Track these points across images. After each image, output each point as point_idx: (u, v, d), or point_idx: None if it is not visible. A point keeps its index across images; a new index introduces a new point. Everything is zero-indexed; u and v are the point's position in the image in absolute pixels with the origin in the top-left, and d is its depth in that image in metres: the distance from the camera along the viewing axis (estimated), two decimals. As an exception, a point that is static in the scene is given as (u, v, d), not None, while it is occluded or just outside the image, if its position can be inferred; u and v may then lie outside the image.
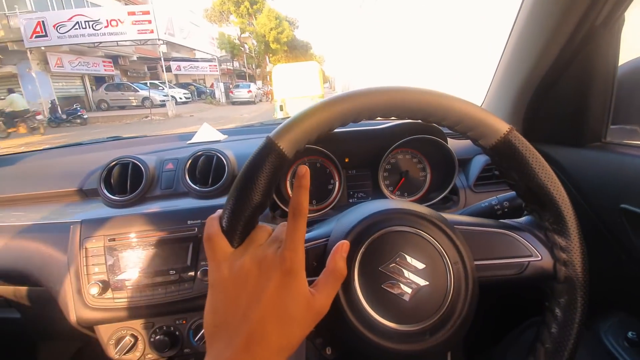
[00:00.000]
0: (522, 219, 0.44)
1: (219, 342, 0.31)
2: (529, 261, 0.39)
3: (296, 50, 38.61)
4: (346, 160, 0.82)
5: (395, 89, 0.36)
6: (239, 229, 0.35)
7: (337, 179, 0.81)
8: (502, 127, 0.36)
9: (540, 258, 0.39)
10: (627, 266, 0.61)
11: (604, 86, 0.63)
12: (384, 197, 0.80)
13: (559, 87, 0.69)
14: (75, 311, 0.66)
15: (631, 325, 0.60)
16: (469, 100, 0.37)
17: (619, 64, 0.64)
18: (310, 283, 0.34)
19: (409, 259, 0.37)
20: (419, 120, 0.38)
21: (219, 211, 0.36)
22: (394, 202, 0.43)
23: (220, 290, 0.32)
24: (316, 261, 0.39)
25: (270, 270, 0.32)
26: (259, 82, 24.87)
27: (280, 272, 0.32)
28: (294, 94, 7.51)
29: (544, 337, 0.38)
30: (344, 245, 0.36)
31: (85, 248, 0.66)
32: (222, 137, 1.01)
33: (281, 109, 7.42)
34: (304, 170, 0.34)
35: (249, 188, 0.34)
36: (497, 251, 0.40)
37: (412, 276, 0.36)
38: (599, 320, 0.64)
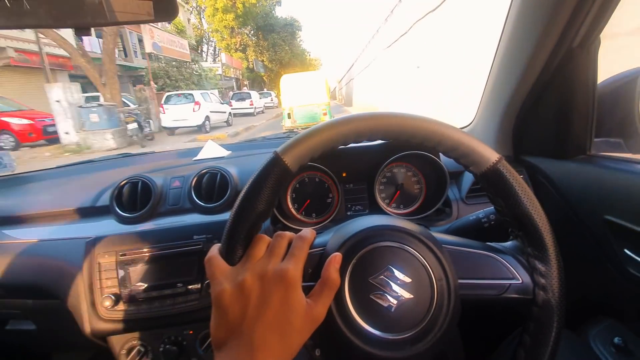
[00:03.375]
0: (507, 243, 0.47)
1: (226, 353, 0.34)
2: (510, 283, 0.41)
3: (274, 33, 26.85)
4: (343, 174, 0.85)
5: (395, 115, 0.39)
6: (243, 234, 0.38)
7: (335, 192, 0.85)
8: (492, 156, 0.39)
9: (521, 281, 0.41)
10: (613, 275, 0.63)
11: (585, 102, 0.67)
12: (380, 209, 0.83)
13: (543, 103, 0.73)
14: (89, 323, 0.70)
15: (618, 331, 0.62)
16: (462, 130, 0.40)
17: (600, 81, 0.68)
18: (305, 289, 0.38)
19: (396, 272, 0.39)
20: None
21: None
22: (386, 219, 0.46)
23: (224, 306, 0.36)
24: (312, 268, 0.41)
25: (271, 284, 0.36)
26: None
27: (283, 286, 0.36)
28: (302, 102, 7.89)
29: (519, 356, 0.41)
30: (337, 257, 0.39)
31: (99, 263, 0.70)
32: (225, 153, 1.06)
33: (289, 117, 7.76)
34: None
35: (255, 197, 0.38)
36: (481, 272, 0.42)
37: (399, 289, 0.39)
38: (588, 325, 0.66)
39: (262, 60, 30.90)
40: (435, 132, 0.39)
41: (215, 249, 0.40)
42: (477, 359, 0.71)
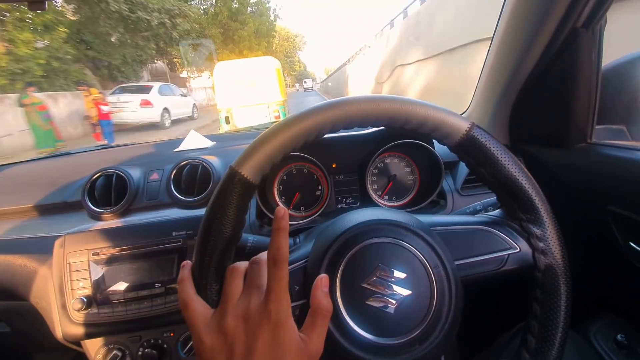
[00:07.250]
0: (497, 212, 0.45)
1: None
2: (508, 254, 0.40)
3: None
4: (333, 165, 0.81)
5: (352, 99, 0.36)
6: (213, 266, 0.34)
7: (324, 184, 0.80)
8: (463, 124, 0.37)
9: (518, 250, 0.40)
10: (616, 268, 0.60)
11: (587, 87, 0.63)
12: (372, 201, 0.79)
13: (542, 88, 0.68)
14: (60, 326, 0.65)
15: (620, 327, 0.60)
16: (429, 103, 0.37)
17: (604, 64, 0.64)
18: (294, 309, 0.34)
19: (389, 270, 0.36)
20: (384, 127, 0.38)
21: (188, 264, 0.36)
22: (368, 213, 0.42)
23: (208, 359, 0.32)
24: (298, 285, 0.38)
25: (256, 326, 0.31)
26: None
27: (269, 326, 0.31)
28: (244, 101, 5.72)
29: (532, 326, 0.38)
30: (322, 280, 0.35)
31: (69, 263, 0.65)
32: (209, 144, 1.00)
33: (227, 122, 5.80)
34: (283, 211, 0.33)
35: (219, 222, 0.34)
36: (476, 248, 0.40)
37: (395, 287, 0.36)
38: (588, 322, 0.63)
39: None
40: (400, 110, 0.36)
41: (189, 288, 0.34)
42: (486, 338, 0.69)
